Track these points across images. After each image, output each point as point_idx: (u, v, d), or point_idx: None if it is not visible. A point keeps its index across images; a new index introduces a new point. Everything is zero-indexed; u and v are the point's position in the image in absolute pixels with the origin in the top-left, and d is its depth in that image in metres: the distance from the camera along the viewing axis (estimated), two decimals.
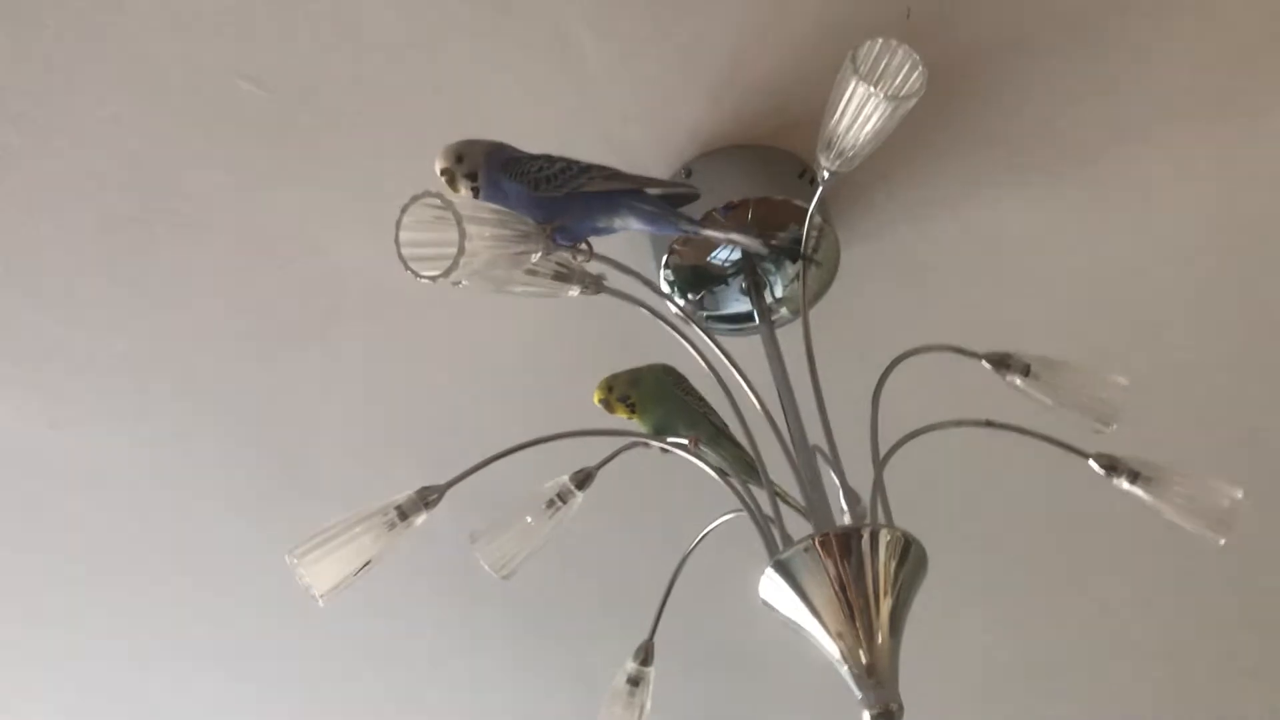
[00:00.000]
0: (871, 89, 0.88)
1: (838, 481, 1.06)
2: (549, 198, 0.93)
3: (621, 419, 1.14)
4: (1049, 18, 1.14)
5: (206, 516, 1.50)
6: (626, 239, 1.17)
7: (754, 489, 1.07)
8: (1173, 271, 1.36)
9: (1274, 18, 1.16)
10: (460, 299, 1.27)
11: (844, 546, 0.92)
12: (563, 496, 1.14)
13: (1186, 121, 1.23)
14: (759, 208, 1.17)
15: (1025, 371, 1.12)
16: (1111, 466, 1.12)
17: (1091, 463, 1.13)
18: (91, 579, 1.57)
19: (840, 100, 0.92)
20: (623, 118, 1.15)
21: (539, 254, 0.88)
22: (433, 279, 0.78)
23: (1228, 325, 1.43)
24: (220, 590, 1.61)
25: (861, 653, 0.88)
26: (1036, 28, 1.14)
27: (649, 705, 1.22)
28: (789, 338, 1.20)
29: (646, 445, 1.12)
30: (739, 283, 1.23)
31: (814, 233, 1.17)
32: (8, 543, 1.50)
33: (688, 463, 1.17)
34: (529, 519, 1.13)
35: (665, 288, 1.22)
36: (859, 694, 0.88)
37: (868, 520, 0.97)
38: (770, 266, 1.22)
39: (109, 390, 1.34)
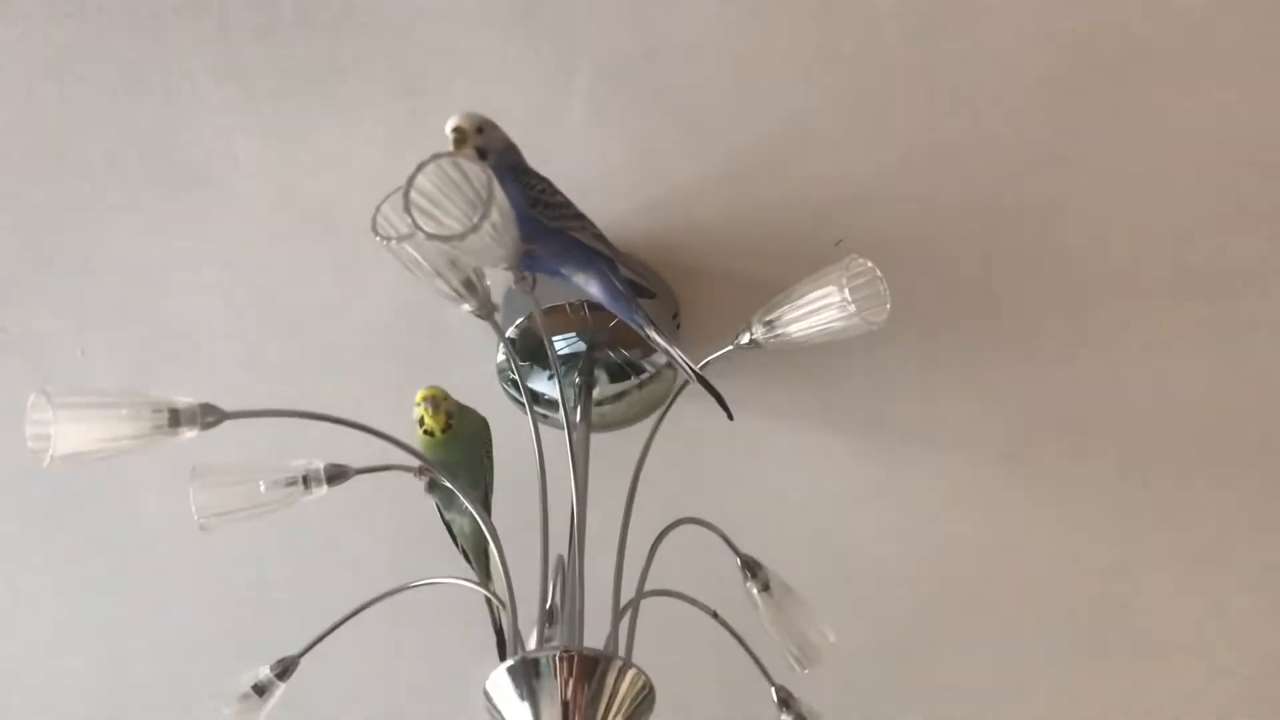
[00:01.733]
0: (849, 299, 0.93)
1: (547, 595, 1.06)
2: (538, 221, 0.90)
3: (414, 440, 1.09)
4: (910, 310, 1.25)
5: None
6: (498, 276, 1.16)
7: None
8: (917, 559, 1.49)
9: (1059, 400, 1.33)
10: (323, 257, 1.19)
11: (591, 669, 0.92)
12: (308, 481, 1.06)
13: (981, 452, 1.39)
14: (623, 323, 1.18)
15: (765, 586, 1.19)
16: (785, 702, 1.20)
17: (772, 691, 1.19)
18: None
19: (811, 291, 0.96)
20: (562, 173, 1.14)
21: (505, 264, 0.84)
22: (428, 236, 0.73)
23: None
24: None
25: None
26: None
27: None
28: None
29: (419, 475, 1.08)
30: (567, 377, 1.23)
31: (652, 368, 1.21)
32: None
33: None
34: (262, 486, 1.05)
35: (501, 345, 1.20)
36: None
37: (617, 652, 0.97)
38: (596, 378, 1.24)
39: None
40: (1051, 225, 1.20)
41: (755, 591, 1.19)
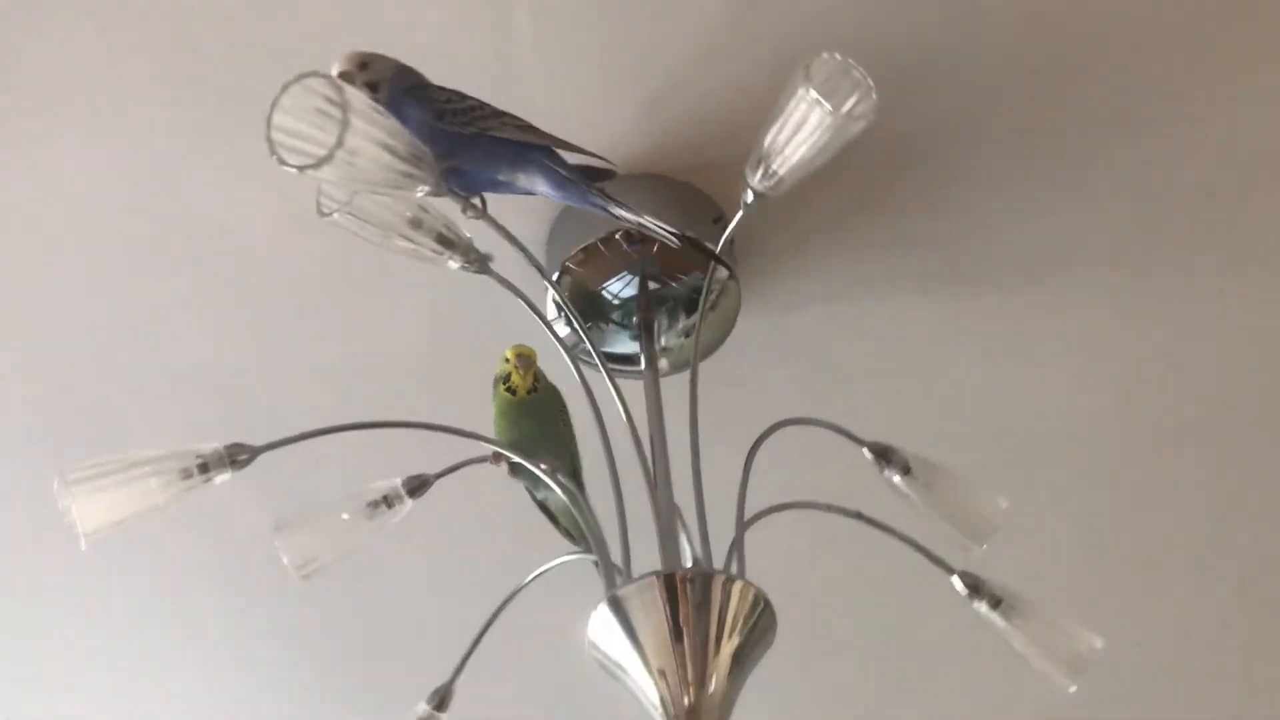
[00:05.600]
0: (822, 101, 0.82)
1: (687, 544, 0.97)
2: (452, 132, 0.84)
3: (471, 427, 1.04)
4: (1007, 127, 1.11)
5: None
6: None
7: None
8: (1065, 408, 1.33)
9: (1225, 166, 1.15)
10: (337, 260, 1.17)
11: (691, 588, 0.83)
12: (390, 500, 1.03)
13: (1117, 264, 1.22)
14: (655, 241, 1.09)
15: (905, 469, 1.06)
16: (975, 588, 1.06)
17: (955, 580, 1.06)
18: None
19: (784, 111, 0.86)
20: (544, 116, 1.08)
21: (426, 187, 0.78)
22: (299, 168, 0.68)
23: (1111, 470, 1.39)
24: None
25: (685, 697, 0.78)
26: (989, 134, 1.12)
27: None
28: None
29: (495, 461, 1.03)
30: (629, 323, 1.15)
31: (717, 285, 1.11)
32: None
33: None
34: (345, 516, 1.02)
35: (552, 310, 1.14)
36: None
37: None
38: (664, 316, 1.15)
39: None
40: None
41: (896, 478, 1.06)
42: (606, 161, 0.93)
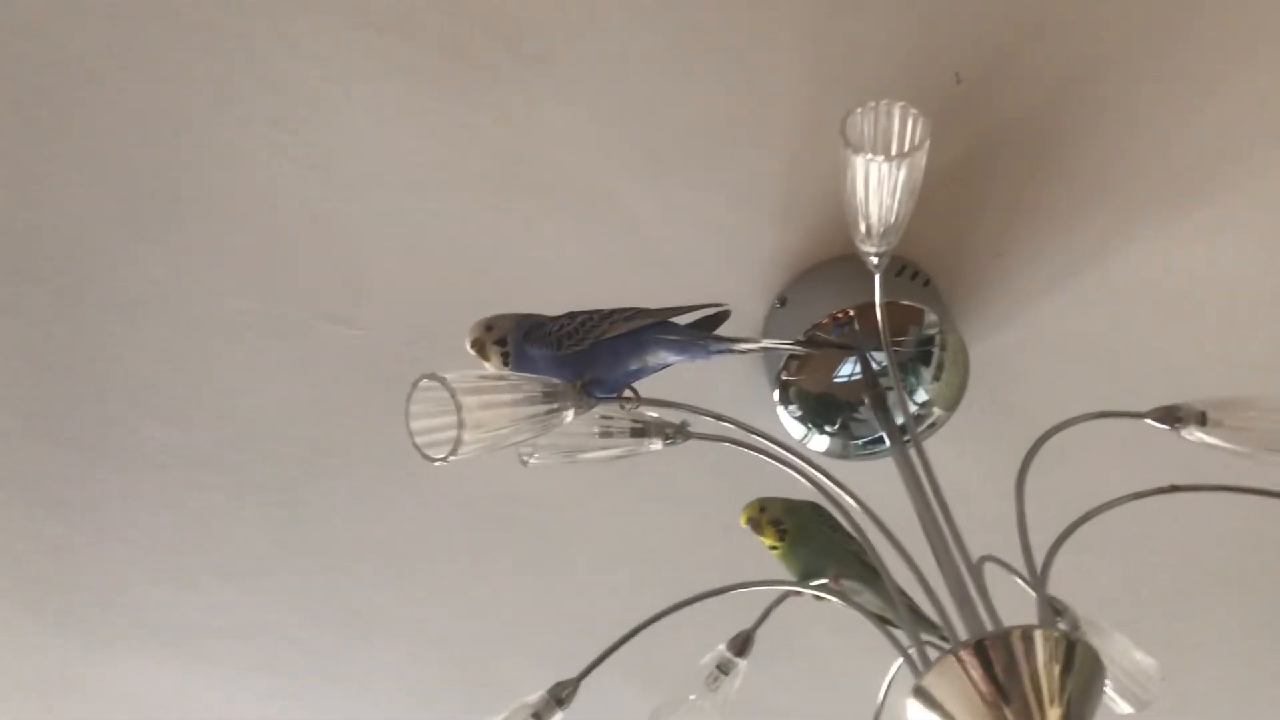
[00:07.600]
0: (874, 158, 0.81)
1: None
2: (574, 354, 0.90)
3: (760, 554, 1.06)
4: (1120, 40, 1.03)
5: None
6: (733, 384, 1.14)
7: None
8: None
9: None
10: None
11: (989, 655, 0.79)
12: (723, 667, 1.06)
13: None
14: (865, 316, 1.09)
15: (1201, 420, 0.97)
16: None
17: None
18: None
19: (849, 181, 0.85)
20: (699, 269, 1.12)
21: (572, 411, 0.84)
22: (442, 460, 0.75)
23: None
24: None
25: None
26: (1111, 55, 1.04)
27: None
28: (948, 439, 1.15)
29: (799, 593, 1.04)
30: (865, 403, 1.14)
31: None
32: None
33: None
34: (693, 697, 1.06)
35: (792, 425, 1.16)
36: None
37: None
38: (905, 375, 1.14)
39: None
40: None
41: (1197, 433, 0.97)
42: (716, 305, 0.95)
